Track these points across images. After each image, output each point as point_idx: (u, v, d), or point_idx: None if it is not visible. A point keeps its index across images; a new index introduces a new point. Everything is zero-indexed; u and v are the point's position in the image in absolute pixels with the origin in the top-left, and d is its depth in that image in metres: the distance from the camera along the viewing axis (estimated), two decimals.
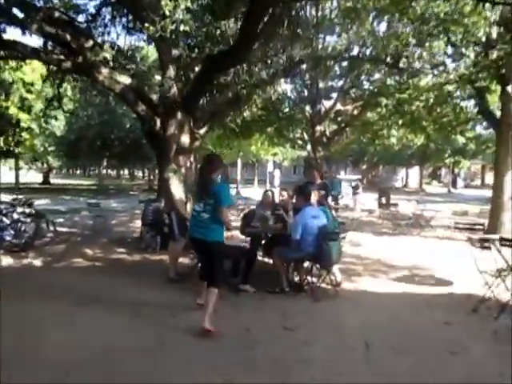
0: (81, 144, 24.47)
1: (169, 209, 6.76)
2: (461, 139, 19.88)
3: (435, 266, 7.47)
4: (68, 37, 6.90)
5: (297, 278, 6.08)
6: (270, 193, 7.11)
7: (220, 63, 7.34)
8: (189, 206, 7.62)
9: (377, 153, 39.88)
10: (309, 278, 6.00)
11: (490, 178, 58.52)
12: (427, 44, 8.48)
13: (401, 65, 8.37)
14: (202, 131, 8.71)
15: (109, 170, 62.81)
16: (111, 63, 7.31)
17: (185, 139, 8.44)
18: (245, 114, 11.19)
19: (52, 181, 45.01)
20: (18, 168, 34.32)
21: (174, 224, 6.48)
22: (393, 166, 48.03)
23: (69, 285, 5.98)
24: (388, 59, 8.74)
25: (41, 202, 23.22)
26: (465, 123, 19.18)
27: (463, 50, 9.29)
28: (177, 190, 8.00)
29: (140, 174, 63.11)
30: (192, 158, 8.68)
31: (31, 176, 48.56)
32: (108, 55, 6.88)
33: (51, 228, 9.90)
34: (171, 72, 7.91)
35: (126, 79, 7.55)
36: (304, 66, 15.19)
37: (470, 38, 8.74)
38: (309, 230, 5.42)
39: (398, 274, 6.91)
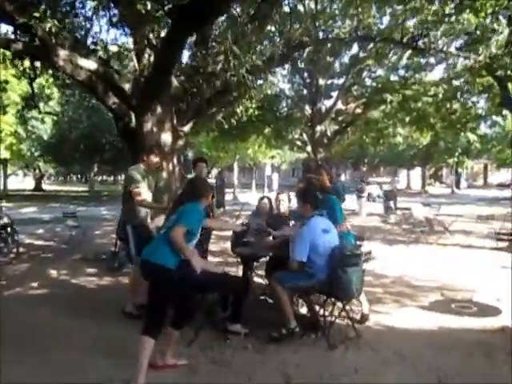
0: (64, 148, 23.07)
1: (124, 220, 5.19)
2: (472, 137, 18.45)
3: (470, 285, 6.16)
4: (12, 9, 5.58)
5: (305, 310, 4.75)
6: (266, 200, 5.81)
7: (192, 13, 5.55)
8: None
9: (378, 154, 38.69)
10: (321, 310, 4.61)
11: (492, 177, 57.34)
12: (453, 18, 7.10)
13: (420, 45, 7.04)
14: (186, 128, 7.40)
15: (104, 176, 61.43)
16: (68, 41, 6.01)
17: (166, 137, 7.13)
18: (238, 110, 9.84)
19: (45, 187, 43.72)
20: (5, 174, 32.99)
21: (130, 240, 5.01)
22: (394, 168, 46.83)
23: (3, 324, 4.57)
24: (405, 39, 7.44)
25: (28, 210, 21.95)
26: (475, 120, 18.04)
27: (495, 25, 7.93)
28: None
29: None
30: (175, 160, 7.34)
31: (28, 182, 47.28)
32: (51, 25, 5.53)
33: (15, 239, 8.61)
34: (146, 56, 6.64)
35: (90, 64, 6.23)
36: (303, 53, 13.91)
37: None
38: (318, 250, 4.01)
39: (428, 299, 5.58)
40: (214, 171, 41.88)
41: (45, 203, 24.78)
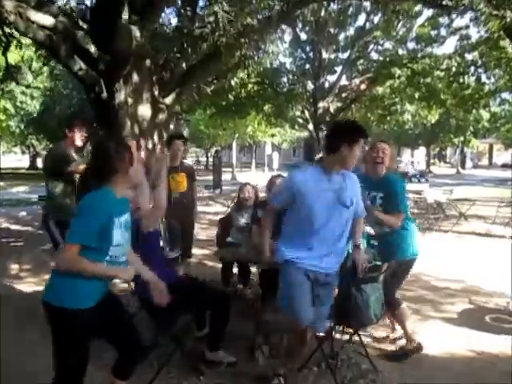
0: (53, 124, 21.90)
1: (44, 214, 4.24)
2: (484, 114, 17.32)
3: (499, 286, 5.20)
4: None
5: None
6: (250, 188, 4.75)
7: None
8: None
9: (382, 133, 37.48)
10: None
11: (497, 158, 56.05)
12: None
13: (446, 1, 5.90)
14: (168, 100, 6.33)
15: None
16: None
17: (144, 110, 6.06)
18: (233, 83, 8.76)
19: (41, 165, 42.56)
20: None
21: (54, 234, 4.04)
22: (397, 147, 45.60)
23: None
24: None
25: (19, 190, 21.04)
26: (489, 96, 16.85)
27: None
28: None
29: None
30: (156, 138, 6.29)
31: (25, 161, 46.24)
32: None
33: None
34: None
35: (45, 19, 5.13)
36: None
37: None
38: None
39: (455, 307, 4.62)
40: (212, 150, 40.87)
41: (37, 182, 23.78)
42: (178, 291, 2.69)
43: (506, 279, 5.54)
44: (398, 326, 3.62)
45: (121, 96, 5.72)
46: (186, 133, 19.60)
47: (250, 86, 17.33)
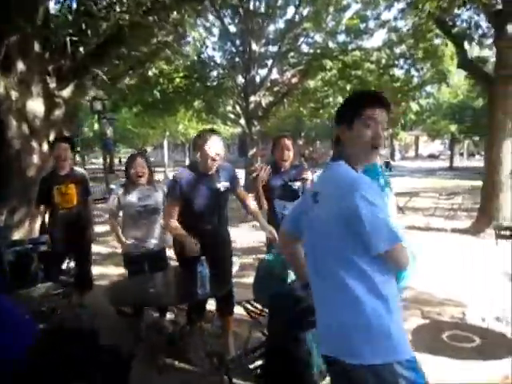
0: None
1: None
2: (414, 107, 17.44)
3: (449, 290, 4.71)
4: None
5: None
6: (141, 161, 3.75)
7: None
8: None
9: (315, 127, 37.68)
10: None
11: (423, 149, 58.42)
12: None
13: None
14: (65, 93, 5.30)
15: None
16: None
17: (35, 106, 5.02)
18: (150, 73, 7.79)
19: None
20: None
21: None
22: (330, 141, 46.14)
23: None
24: None
25: None
26: (418, 89, 17.01)
27: None
28: None
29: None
30: (53, 137, 5.25)
31: None
32: None
33: None
34: None
35: None
36: None
37: None
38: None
39: (408, 323, 4.02)
40: (149, 149, 39.11)
41: None
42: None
43: (454, 279, 5.09)
44: None
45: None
46: (110, 132, 18.18)
47: (177, 80, 16.43)
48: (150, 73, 7.92)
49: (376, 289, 1.49)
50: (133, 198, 3.68)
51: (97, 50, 5.32)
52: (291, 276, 2.47)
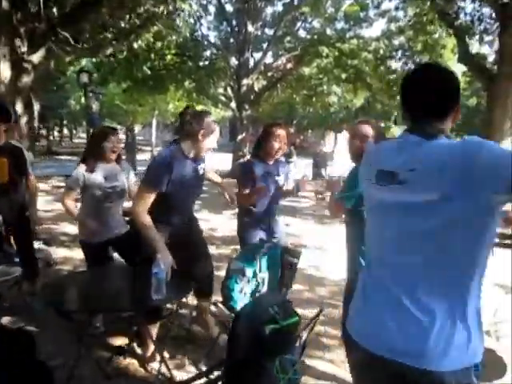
0: None
1: None
2: None
3: None
4: None
5: None
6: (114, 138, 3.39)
7: None
8: None
9: (307, 115, 37.27)
10: None
11: None
12: None
13: None
14: (35, 58, 4.84)
15: None
16: None
17: (2, 71, 4.57)
18: (135, 46, 7.33)
19: None
20: None
21: None
22: (322, 130, 45.75)
23: None
24: None
25: None
26: None
27: None
28: None
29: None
30: (20, 107, 4.82)
31: None
32: None
33: None
34: None
35: None
36: None
37: None
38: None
39: None
40: (138, 128, 38.26)
41: None
42: None
43: None
44: None
45: None
46: (95, 107, 17.58)
47: (168, 57, 15.91)
48: (135, 45, 7.39)
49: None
50: (98, 176, 3.27)
51: (72, 12, 4.86)
52: (264, 283, 2.14)
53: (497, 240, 4.84)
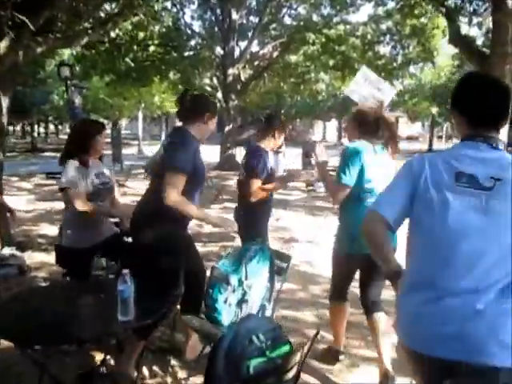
0: None
1: None
2: (398, 86, 16.91)
3: None
4: None
5: None
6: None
7: None
8: None
9: (295, 104, 36.96)
10: None
11: (402, 130, 58.41)
12: None
13: None
14: (3, 45, 4.48)
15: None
16: None
17: None
18: (113, 34, 6.97)
19: None
20: None
21: None
22: (310, 119, 45.44)
23: None
24: None
25: None
26: (403, 67, 16.41)
27: None
28: None
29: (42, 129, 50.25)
30: None
31: None
32: None
33: None
34: None
35: None
36: None
37: None
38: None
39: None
40: (123, 123, 37.69)
41: None
42: None
43: None
44: None
45: None
46: (78, 101, 17.08)
47: (151, 48, 15.46)
48: (112, 34, 7.04)
49: None
50: (91, 173, 3.04)
51: None
52: (251, 291, 1.86)
53: None
